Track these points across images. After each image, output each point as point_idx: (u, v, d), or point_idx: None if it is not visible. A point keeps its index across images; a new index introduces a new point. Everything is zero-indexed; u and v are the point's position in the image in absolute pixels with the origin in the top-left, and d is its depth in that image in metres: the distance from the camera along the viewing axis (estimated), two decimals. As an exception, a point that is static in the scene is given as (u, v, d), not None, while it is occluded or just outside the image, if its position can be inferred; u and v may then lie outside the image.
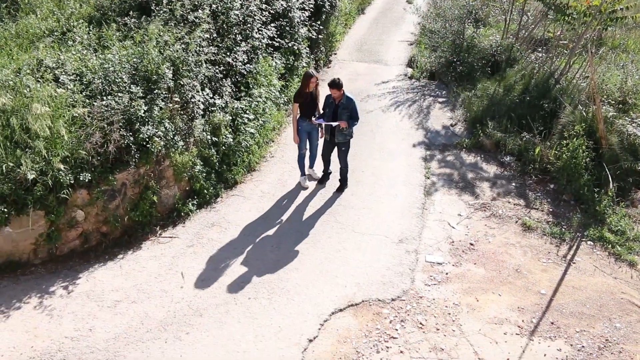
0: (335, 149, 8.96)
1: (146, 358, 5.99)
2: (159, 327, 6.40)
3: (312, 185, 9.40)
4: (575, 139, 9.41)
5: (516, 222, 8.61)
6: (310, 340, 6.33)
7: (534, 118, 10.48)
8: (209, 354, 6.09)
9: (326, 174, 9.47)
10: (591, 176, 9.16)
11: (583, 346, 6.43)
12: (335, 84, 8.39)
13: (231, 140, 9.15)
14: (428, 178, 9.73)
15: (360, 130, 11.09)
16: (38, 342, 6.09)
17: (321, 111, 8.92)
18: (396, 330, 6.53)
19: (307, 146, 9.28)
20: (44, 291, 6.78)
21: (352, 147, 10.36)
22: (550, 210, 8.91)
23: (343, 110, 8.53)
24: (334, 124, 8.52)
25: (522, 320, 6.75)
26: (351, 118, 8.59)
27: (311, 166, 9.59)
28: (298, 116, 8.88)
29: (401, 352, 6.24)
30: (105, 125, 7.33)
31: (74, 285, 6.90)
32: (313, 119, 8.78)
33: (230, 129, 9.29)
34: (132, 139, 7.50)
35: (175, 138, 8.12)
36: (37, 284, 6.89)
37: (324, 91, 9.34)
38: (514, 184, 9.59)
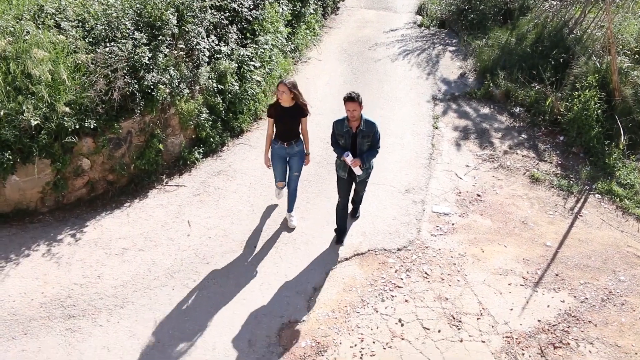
0: (354, 185, 6.91)
1: (154, 304, 6.08)
2: (166, 274, 6.47)
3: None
4: (587, 90, 9.21)
5: (524, 174, 8.54)
6: (316, 289, 6.40)
7: (545, 69, 10.25)
8: (215, 301, 6.17)
9: (343, 232, 7.13)
10: (602, 129, 9.02)
11: (586, 298, 6.48)
12: (352, 98, 6.08)
13: (237, 88, 9.01)
14: (436, 128, 9.62)
15: (368, 79, 10.92)
16: (48, 289, 6.18)
17: (301, 139, 6.90)
18: (401, 279, 6.58)
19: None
20: (53, 239, 6.84)
21: (359, 97, 10.26)
22: (559, 162, 8.83)
23: (363, 139, 6.33)
24: (348, 158, 6.28)
25: (527, 272, 6.78)
26: (371, 147, 6.47)
27: (289, 209, 7.26)
28: (273, 136, 6.86)
29: (406, 301, 6.30)
30: (109, 73, 7.21)
31: (81, 233, 6.95)
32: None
33: (236, 77, 9.14)
34: (136, 86, 7.40)
35: (181, 86, 8.01)
36: (46, 232, 6.94)
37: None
38: (523, 136, 9.48)
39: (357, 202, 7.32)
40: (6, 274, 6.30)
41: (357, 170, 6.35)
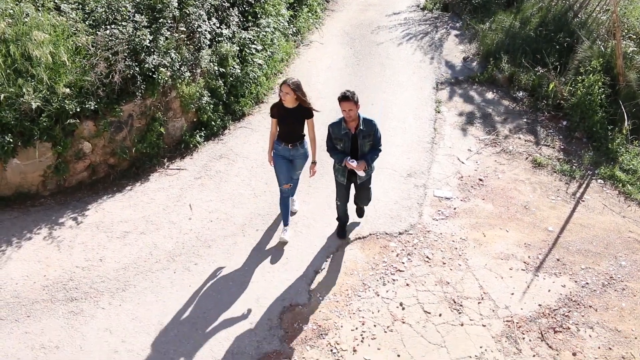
0: (354, 189, 6.66)
1: (155, 287, 6.10)
2: (167, 257, 6.48)
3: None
4: (591, 75, 9.14)
5: (526, 158, 8.51)
6: (317, 272, 6.41)
7: (549, 53, 10.16)
8: (217, 284, 6.19)
9: (344, 225, 6.96)
10: (605, 113, 8.95)
11: (587, 283, 6.48)
12: (347, 98, 5.73)
13: (239, 71, 8.96)
14: (438, 112, 9.57)
15: (370, 63, 10.85)
16: (50, 272, 6.20)
17: (306, 140, 6.56)
18: (403, 263, 6.59)
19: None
20: (54, 222, 6.85)
21: (361, 80, 10.21)
22: (562, 147, 8.80)
23: (364, 139, 6.00)
24: (353, 163, 5.95)
25: (528, 257, 6.78)
26: (373, 147, 6.13)
27: (286, 219, 6.86)
28: (276, 135, 6.51)
29: (407, 284, 6.32)
30: (110, 55, 7.17)
31: (83, 217, 6.96)
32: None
33: (238, 60, 9.08)
34: (137, 69, 7.37)
35: (182, 69, 7.97)
36: (47, 215, 6.94)
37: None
38: (525, 120, 9.43)
39: (362, 210, 7.00)
40: (8, 257, 6.32)
41: (361, 173, 6.04)
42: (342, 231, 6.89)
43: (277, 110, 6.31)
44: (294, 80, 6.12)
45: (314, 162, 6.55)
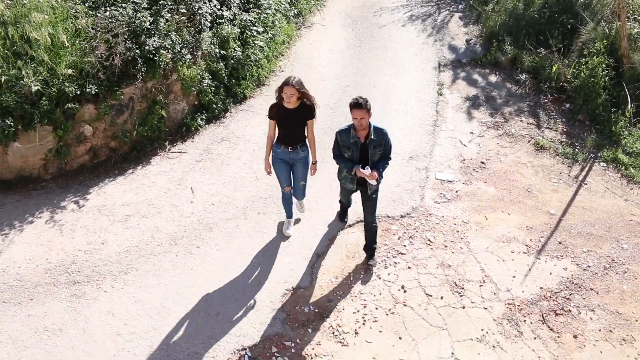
0: (361, 198, 6.14)
1: (157, 271, 6.12)
2: (169, 241, 6.49)
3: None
4: (595, 57, 9.06)
5: (529, 141, 8.48)
6: (319, 255, 6.42)
7: (553, 34, 10.06)
8: (219, 267, 6.20)
9: (346, 209, 6.79)
10: (609, 96, 8.89)
11: (589, 266, 6.49)
12: (359, 105, 5.31)
13: (240, 53, 8.89)
14: (441, 95, 9.51)
15: (372, 45, 10.76)
16: (52, 255, 6.22)
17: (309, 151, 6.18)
18: (404, 246, 6.60)
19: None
20: (56, 206, 6.85)
21: (363, 62, 10.13)
22: (564, 130, 8.75)
23: (375, 149, 5.59)
24: (366, 171, 5.53)
25: (530, 240, 6.78)
26: (383, 156, 5.75)
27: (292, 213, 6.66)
28: (275, 138, 6.10)
29: (409, 267, 6.33)
30: (110, 38, 7.11)
31: (84, 200, 6.96)
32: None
33: (239, 42, 9.01)
34: (138, 51, 7.31)
35: (183, 51, 7.91)
36: (49, 199, 6.94)
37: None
38: (528, 103, 9.37)
39: (371, 236, 6.22)
40: (11, 241, 6.34)
41: (373, 182, 5.66)
42: (344, 214, 6.81)
43: (277, 111, 5.84)
44: (297, 80, 5.66)
45: (313, 162, 6.25)
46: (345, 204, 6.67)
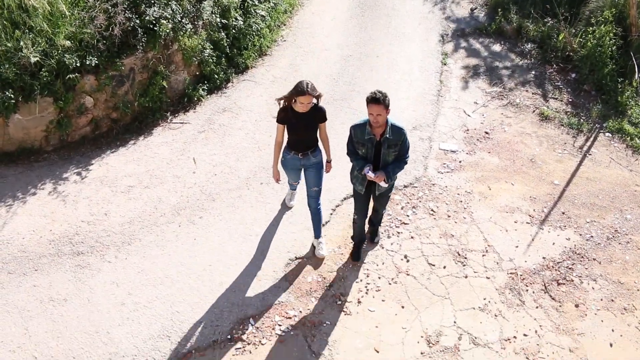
0: (372, 200, 5.78)
1: (160, 241, 6.13)
2: (172, 211, 6.50)
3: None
4: (602, 26, 8.90)
5: (533, 111, 8.40)
6: (323, 225, 6.41)
7: (559, 3, 9.87)
8: (222, 237, 6.22)
9: (360, 246, 6.15)
10: (616, 66, 8.76)
11: (592, 236, 6.48)
12: (377, 100, 4.84)
13: (241, 23, 8.78)
14: (445, 64, 9.40)
15: (375, 14, 10.60)
16: (56, 226, 6.24)
17: (320, 147, 5.78)
18: (407, 216, 6.59)
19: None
20: (58, 177, 6.84)
21: (367, 32, 9.99)
22: (570, 100, 8.66)
23: (389, 149, 5.15)
24: (372, 175, 5.15)
25: (534, 210, 6.77)
26: (398, 157, 5.28)
27: (317, 235, 6.07)
28: (284, 145, 5.72)
29: (412, 237, 6.33)
30: (109, 7, 7.01)
31: (87, 171, 6.95)
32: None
33: (240, 12, 8.88)
34: (138, 21, 7.22)
35: (183, 21, 7.80)
36: (51, 171, 6.93)
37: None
38: (533, 73, 9.25)
39: (375, 223, 6.17)
40: (14, 212, 6.35)
41: (383, 184, 5.29)
42: (357, 252, 6.10)
43: (286, 116, 5.39)
44: (311, 85, 5.16)
45: (328, 161, 5.90)
46: (358, 237, 6.05)
